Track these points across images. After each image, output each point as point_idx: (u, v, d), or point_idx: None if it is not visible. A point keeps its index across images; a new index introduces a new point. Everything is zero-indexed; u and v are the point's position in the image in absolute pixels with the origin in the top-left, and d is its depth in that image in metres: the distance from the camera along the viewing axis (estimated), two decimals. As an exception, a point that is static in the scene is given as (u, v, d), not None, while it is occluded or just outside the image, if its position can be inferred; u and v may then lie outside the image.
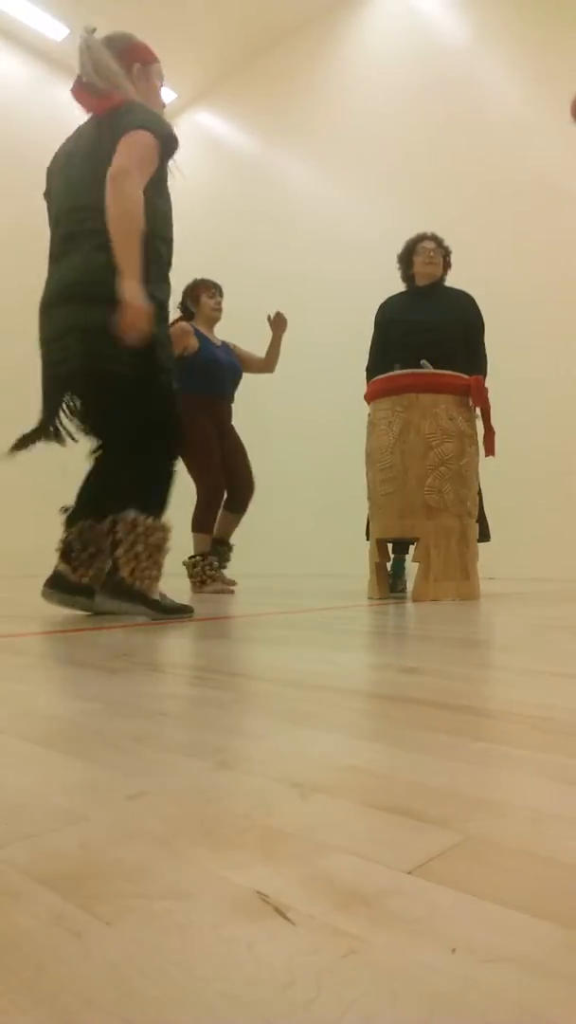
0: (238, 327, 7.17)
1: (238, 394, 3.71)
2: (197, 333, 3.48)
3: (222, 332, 3.79)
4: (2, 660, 1.16)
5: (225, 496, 3.55)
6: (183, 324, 3.48)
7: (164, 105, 2.17)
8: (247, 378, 3.71)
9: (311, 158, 7.07)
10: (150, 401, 1.92)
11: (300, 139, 7.17)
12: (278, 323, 3.56)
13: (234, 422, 3.67)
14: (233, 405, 3.69)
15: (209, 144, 7.97)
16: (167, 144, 1.90)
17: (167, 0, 6.93)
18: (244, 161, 7.67)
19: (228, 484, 3.54)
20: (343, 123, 6.81)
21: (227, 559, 3.60)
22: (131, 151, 1.79)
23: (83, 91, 1.95)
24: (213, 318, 3.58)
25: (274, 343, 3.63)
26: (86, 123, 1.99)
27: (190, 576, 3.40)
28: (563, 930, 0.32)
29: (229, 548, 3.61)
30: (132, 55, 2.05)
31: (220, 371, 3.49)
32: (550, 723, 0.71)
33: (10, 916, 0.33)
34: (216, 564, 3.41)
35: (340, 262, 6.69)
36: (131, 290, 1.75)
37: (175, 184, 2.03)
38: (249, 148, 7.64)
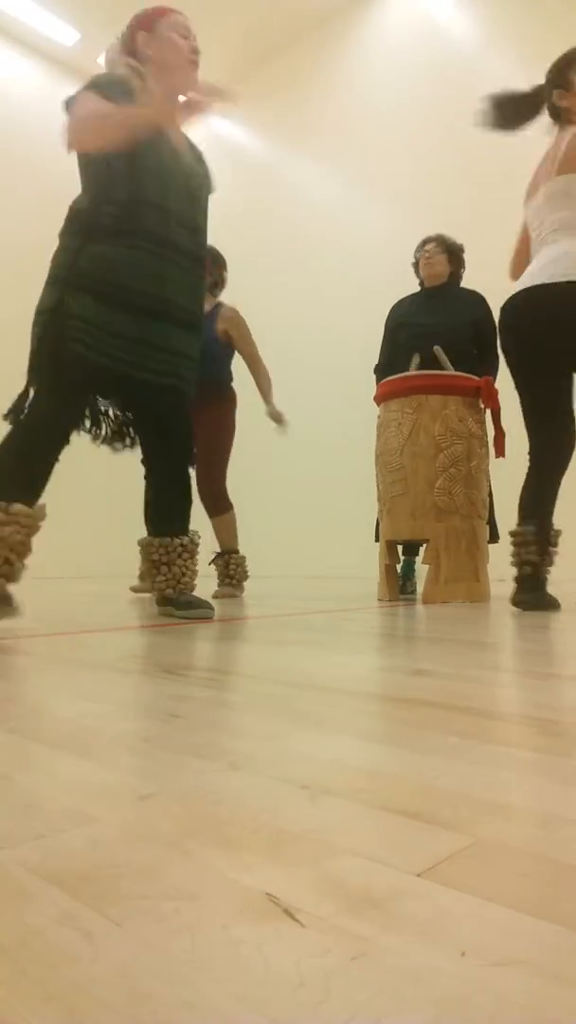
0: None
1: (243, 393, 3.47)
2: None
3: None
4: (12, 661, 1.17)
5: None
6: None
7: (194, 52, 2.03)
8: (250, 379, 3.41)
9: (321, 160, 7.07)
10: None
11: (310, 142, 7.18)
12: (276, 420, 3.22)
13: (242, 422, 3.46)
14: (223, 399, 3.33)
15: (218, 146, 7.99)
16: (99, 85, 1.76)
17: (177, 4, 6.96)
18: (254, 163, 7.69)
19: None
20: (353, 126, 6.81)
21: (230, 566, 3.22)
22: (68, 121, 1.69)
23: None
24: None
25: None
26: None
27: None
28: (573, 933, 0.31)
29: (221, 555, 3.22)
30: (135, 28, 1.97)
31: None
32: (559, 726, 0.71)
33: (20, 915, 0.33)
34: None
35: (349, 263, 6.69)
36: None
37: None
38: (259, 150, 7.65)
